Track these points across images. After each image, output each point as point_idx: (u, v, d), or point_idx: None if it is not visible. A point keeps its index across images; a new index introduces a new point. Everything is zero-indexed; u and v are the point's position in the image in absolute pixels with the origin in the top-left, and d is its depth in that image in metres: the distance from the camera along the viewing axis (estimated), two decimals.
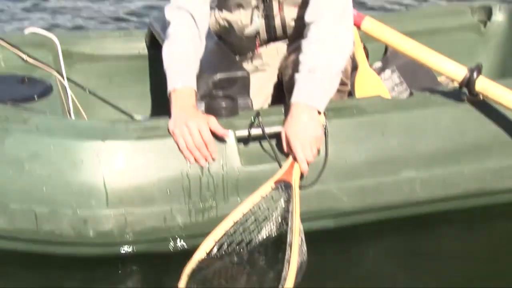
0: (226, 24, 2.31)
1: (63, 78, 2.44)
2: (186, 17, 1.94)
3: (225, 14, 2.31)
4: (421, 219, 2.11)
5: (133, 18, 5.52)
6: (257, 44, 2.33)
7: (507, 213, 2.22)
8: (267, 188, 1.76)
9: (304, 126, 1.84)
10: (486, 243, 2.23)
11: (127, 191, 1.76)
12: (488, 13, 3.02)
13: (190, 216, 1.77)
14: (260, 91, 2.28)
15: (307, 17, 1.98)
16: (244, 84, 2.07)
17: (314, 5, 1.99)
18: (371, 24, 2.21)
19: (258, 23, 2.24)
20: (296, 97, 1.86)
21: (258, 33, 2.29)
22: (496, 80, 2.07)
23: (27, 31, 2.68)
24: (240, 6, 2.24)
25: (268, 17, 2.24)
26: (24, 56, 2.36)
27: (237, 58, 2.38)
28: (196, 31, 1.95)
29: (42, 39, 2.59)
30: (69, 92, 2.44)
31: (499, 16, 3.02)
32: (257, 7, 2.23)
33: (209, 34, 2.30)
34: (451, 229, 2.24)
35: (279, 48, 2.33)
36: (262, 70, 2.34)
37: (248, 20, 2.24)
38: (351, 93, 2.34)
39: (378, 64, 2.74)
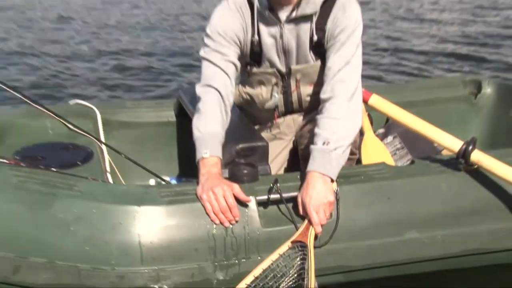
0: (248, 98, 2.45)
1: (102, 144, 2.57)
2: (215, 93, 2.08)
3: (248, 89, 2.44)
4: (423, 277, 2.15)
5: (164, 91, 5.75)
6: (276, 116, 2.44)
7: (503, 273, 2.24)
8: (284, 247, 1.85)
9: (318, 193, 1.92)
10: None
11: (159, 250, 1.83)
12: (478, 86, 3.21)
13: (215, 272, 1.84)
14: (277, 157, 2.40)
15: (322, 95, 2.11)
16: (263, 153, 2.19)
17: (329, 85, 2.12)
18: (377, 100, 2.34)
19: (277, 98, 2.37)
20: (312, 167, 1.96)
21: (276, 106, 2.41)
22: (486, 147, 2.21)
23: (72, 102, 2.86)
24: (261, 83, 2.37)
25: (286, 93, 2.37)
26: (69, 125, 2.49)
27: (257, 127, 2.51)
28: (223, 106, 2.08)
29: (84, 109, 2.75)
30: (107, 157, 2.58)
31: (488, 89, 3.20)
32: (276, 84, 2.36)
33: (232, 107, 2.40)
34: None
35: (295, 119, 2.45)
36: (280, 138, 2.46)
37: (268, 95, 2.37)
38: (359, 159, 2.45)
39: (381, 130, 2.85)
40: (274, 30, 2.29)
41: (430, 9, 11.57)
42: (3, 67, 6.28)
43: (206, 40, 2.17)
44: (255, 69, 2.38)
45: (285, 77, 2.37)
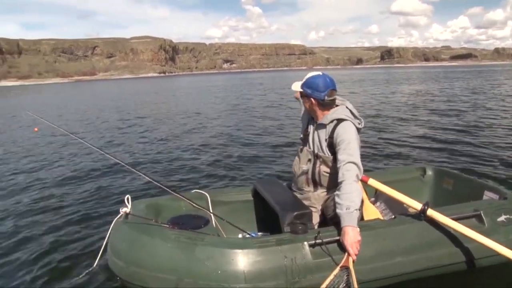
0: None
1: (212, 214, 3.01)
2: None
3: (296, 160, 2.93)
4: (407, 282, 2.51)
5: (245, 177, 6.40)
6: (306, 182, 2.83)
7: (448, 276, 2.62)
8: (336, 270, 2.30)
9: (351, 237, 2.33)
10: None
11: (255, 274, 2.27)
12: (424, 170, 3.81)
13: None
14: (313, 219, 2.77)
15: (338, 179, 2.49)
16: (309, 216, 2.62)
17: (341, 173, 2.49)
18: (373, 182, 2.79)
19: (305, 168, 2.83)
20: (344, 223, 2.36)
21: (306, 173, 2.82)
22: (433, 206, 2.65)
23: (193, 191, 3.32)
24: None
25: (314, 166, 2.79)
26: (194, 204, 2.90)
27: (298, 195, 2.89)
28: None
29: (200, 194, 3.25)
30: (215, 222, 3.01)
31: (429, 171, 3.80)
32: (310, 160, 2.82)
33: (276, 182, 2.97)
34: None
35: (319, 195, 2.84)
36: (313, 207, 2.83)
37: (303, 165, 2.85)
38: (362, 217, 2.73)
39: (372, 198, 3.15)
40: (312, 127, 2.82)
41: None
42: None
43: None
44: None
45: (315, 157, 2.79)
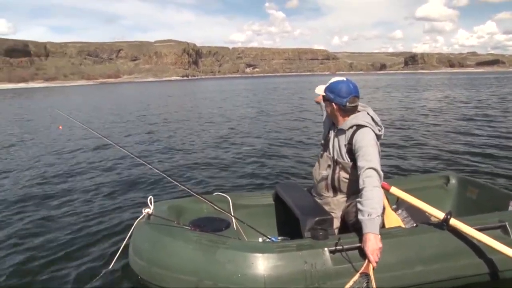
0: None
1: (233, 217, 3.03)
2: None
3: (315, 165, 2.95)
4: None
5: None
6: (326, 187, 2.83)
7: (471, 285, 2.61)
8: (356, 276, 2.31)
9: (373, 244, 2.33)
10: None
11: (275, 277, 2.29)
12: (448, 178, 3.75)
13: None
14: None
15: (360, 186, 2.47)
16: (330, 222, 2.63)
17: (361, 179, 2.48)
18: (395, 190, 2.75)
19: (325, 174, 2.84)
20: (366, 230, 2.36)
21: (326, 178, 2.83)
22: (456, 215, 2.63)
23: (215, 194, 3.35)
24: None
25: (333, 172, 2.80)
26: (215, 207, 2.94)
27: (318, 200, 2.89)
28: None
29: (222, 197, 3.29)
30: (236, 225, 3.04)
31: (453, 180, 3.73)
32: (329, 166, 2.83)
33: (298, 187, 2.96)
34: None
35: (339, 200, 2.84)
36: (333, 212, 2.82)
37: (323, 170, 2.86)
38: (383, 224, 2.70)
39: (394, 206, 3.11)
40: (332, 132, 2.82)
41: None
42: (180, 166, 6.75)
43: None
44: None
45: (335, 162, 2.80)
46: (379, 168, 2.52)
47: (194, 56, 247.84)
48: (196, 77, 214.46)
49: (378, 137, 2.73)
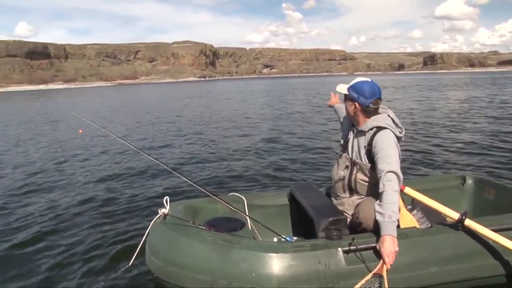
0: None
1: (248, 217, 3.04)
2: None
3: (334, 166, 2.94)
4: None
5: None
6: (342, 188, 2.83)
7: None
8: (369, 276, 2.31)
9: (389, 246, 2.33)
10: None
11: (288, 277, 2.31)
12: (464, 179, 3.70)
13: None
14: None
15: (380, 189, 2.46)
16: (344, 222, 2.63)
17: (381, 183, 2.47)
18: (409, 190, 2.75)
19: (342, 174, 2.85)
20: (384, 232, 2.36)
21: (343, 179, 2.83)
22: (471, 216, 2.61)
23: (230, 194, 3.37)
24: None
25: (350, 173, 2.79)
26: (230, 207, 2.96)
27: (335, 201, 2.89)
28: None
29: (237, 198, 3.31)
30: (251, 225, 3.06)
31: (469, 180, 3.69)
32: (347, 167, 2.83)
33: (313, 188, 2.95)
34: None
35: (353, 201, 2.82)
36: (346, 212, 2.82)
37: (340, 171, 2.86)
38: (398, 225, 2.62)
39: (409, 206, 3.08)
40: (352, 133, 2.82)
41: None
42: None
43: None
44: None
45: (353, 163, 2.79)
46: (399, 171, 2.50)
47: (211, 57, 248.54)
48: (213, 78, 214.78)
49: (398, 139, 2.72)
